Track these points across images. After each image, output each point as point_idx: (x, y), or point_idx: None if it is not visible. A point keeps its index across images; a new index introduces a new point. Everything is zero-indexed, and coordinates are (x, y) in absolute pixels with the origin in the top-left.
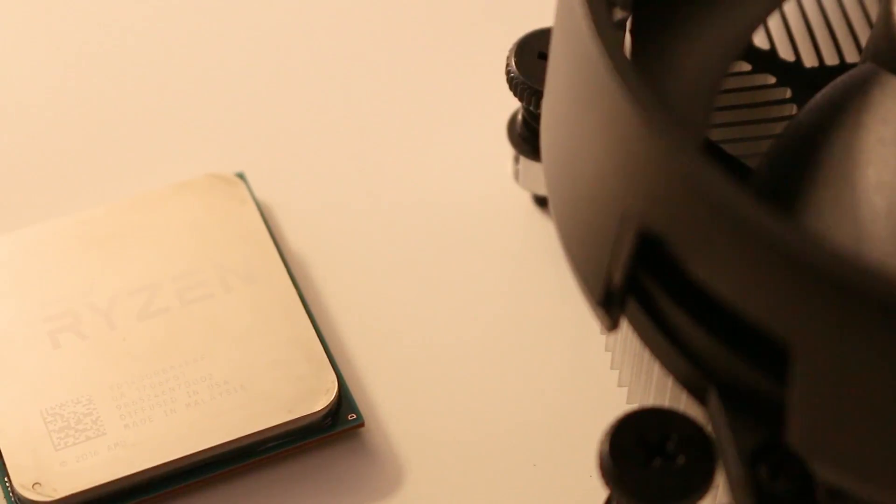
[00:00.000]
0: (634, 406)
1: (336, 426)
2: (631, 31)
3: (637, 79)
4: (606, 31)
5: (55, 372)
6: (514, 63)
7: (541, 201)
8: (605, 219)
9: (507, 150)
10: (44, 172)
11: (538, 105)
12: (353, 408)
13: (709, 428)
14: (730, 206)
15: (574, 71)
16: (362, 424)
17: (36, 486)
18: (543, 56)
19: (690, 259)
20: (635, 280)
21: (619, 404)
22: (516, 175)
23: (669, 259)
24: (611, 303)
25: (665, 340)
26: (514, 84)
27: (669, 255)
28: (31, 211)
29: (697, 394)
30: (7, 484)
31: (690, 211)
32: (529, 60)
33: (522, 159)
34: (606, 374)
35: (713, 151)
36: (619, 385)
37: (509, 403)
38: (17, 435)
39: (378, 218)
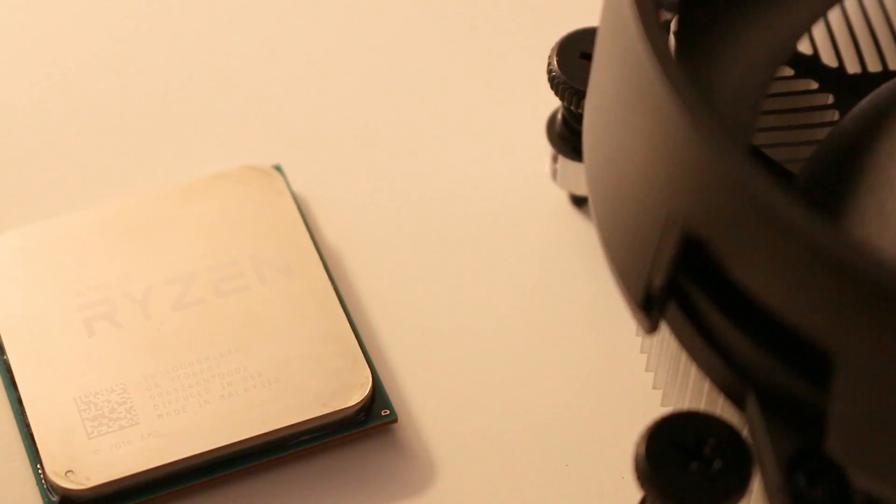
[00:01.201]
0: (671, 409)
1: (369, 421)
2: (675, 34)
3: (685, 81)
4: (655, 33)
5: (90, 360)
6: (555, 62)
7: (578, 201)
8: (648, 221)
9: (545, 149)
10: (81, 161)
11: (579, 105)
12: (386, 403)
13: (746, 433)
14: (775, 211)
15: (620, 71)
16: (395, 420)
17: (69, 474)
18: (585, 56)
19: (734, 263)
20: (676, 283)
21: (653, 406)
22: (554, 174)
23: (711, 263)
24: (651, 306)
25: (704, 344)
26: (555, 83)
27: (712, 258)
28: (68, 200)
29: (735, 398)
30: (40, 471)
31: (735, 215)
32: (571, 60)
33: (561, 158)
34: (641, 376)
35: (756, 156)
36: (655, 387)
37: (542, 402)
38: (50, 422)
39: (414, 213)
